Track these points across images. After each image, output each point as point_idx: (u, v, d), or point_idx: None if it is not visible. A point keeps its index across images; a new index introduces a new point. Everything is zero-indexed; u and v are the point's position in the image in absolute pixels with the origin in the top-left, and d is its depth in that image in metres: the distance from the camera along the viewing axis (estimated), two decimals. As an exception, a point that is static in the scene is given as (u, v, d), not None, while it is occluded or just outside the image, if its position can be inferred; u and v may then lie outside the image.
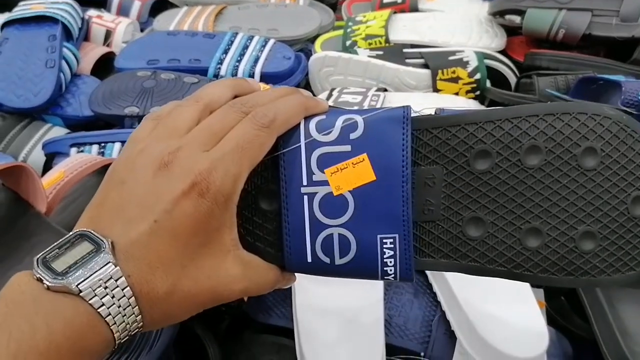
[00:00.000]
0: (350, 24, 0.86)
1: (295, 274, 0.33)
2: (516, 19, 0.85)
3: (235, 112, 0.30)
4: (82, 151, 0.62)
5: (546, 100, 0.65)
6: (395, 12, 0.86)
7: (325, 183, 0.29)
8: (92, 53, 0.86)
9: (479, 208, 0.31)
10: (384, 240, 0.29)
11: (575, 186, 0.30)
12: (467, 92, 0.77)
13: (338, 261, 0.30)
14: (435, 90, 0.77)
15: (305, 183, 0.29)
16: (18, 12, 0.82)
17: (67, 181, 0.46)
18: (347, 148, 0.29)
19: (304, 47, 0.88)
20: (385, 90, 0.77)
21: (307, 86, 0.83)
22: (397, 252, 0.29)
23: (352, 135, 0.29)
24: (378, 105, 0.72)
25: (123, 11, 1.00)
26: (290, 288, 0.52)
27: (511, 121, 0.30)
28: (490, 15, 0.84)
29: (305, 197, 0.29)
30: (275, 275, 0.31)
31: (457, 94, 0.77)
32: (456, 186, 0.31)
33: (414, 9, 0.88)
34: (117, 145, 0.62)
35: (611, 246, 0.30)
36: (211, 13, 0.86)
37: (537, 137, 0.30)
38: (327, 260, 0.30)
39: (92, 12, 0.93)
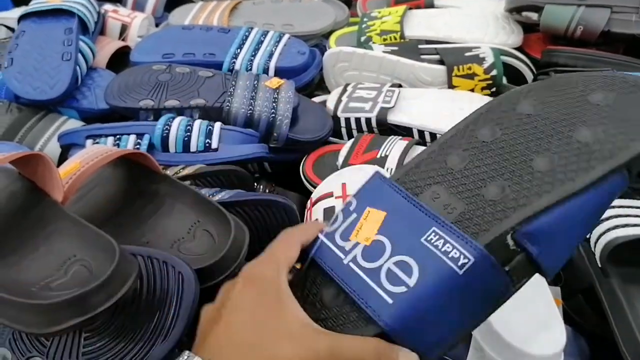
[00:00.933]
0: (365, 19, 0.85)
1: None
2: (533, 15, 0.84)
3: None
4: (97, 143, 0.62)
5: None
6: (410, 8, 0.86)
7: (356, 245, 0.33)
8: (107, 47, 0.87)
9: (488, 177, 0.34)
10: (430, 239, 0.31)
11: None
12: (483, 88, 0.76)
13: (412, 282, 0.30)
14: (451, 86, 0.76)
15: (343, 257, 0.33)
16: (35, 5, 0.83)
17: (83, 171, 0.46)
18: (354, 216, 0.34)
19: (318, 42, 0.88)
20: (400, 86, 0.77)
21: (322, 81, 0.83)
22: (449, 239, 0.31)
23: (351, 207, 0.35)
24: (392, 102, 0.72)
25: (138, 6, 1.00)
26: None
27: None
28: (506, 11, 0.84)
29: (351, 263, 0.32)
30: (374, 343, 0.30)
31: (472, 90, 0.76)
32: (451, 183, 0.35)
33: (430, 5, 0.87)
34: (132, 137, 0.62)
35: None
36: (226, 8, 0.86)
37: None
38: (404, 289, 0.30)
39: (108, 7, 0.94)
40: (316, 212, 0.51)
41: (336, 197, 0.52)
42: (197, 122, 0.63)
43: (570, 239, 0.33)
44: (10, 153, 0.42)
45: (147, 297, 0.38)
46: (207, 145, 0.62)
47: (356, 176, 0.57)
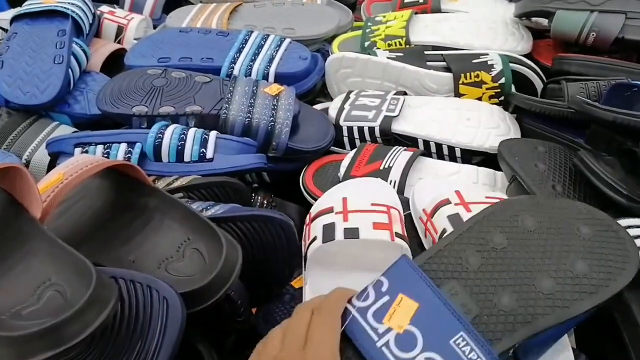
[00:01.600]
0: (369, 24, 0.82)
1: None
2: (543, 21, 0.81)
3: None
4: (86, 151, 0.59)
5: (576, 108, 0.61)
6: (416, 13, 0.83)
7: (389, 330, 0.36)
8: (102, 49, 0.84)
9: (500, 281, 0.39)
10: (458, 342, 0.35)
11: None
12: (491, 97, 0.73)
13: None
14: (457, 94, 0.73)
15: (376, 339, 0.35)
16: (28, 6, 0.80)
17: (65, 184, 0.43)
18: (386, 298, 0.37)
19: (320, 47, 0.85)
20: (405, 93, 0.74)
21: (324, 88, 0.80)
22: (474, 346, 0.34)
23: (383, 289, 0.38)
24: (396, 110, 0.69)
25: (136, 7, 0.98)
26: (301, 300, 0.49)
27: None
28: (516, 17, 0.80)
29: (384, 348, 0.35)
30: None
31: (480, 99, 0.73)
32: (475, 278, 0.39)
33: (436, 9, 0.84)
34: (123, 146, 0.59)
35: None
36: (225, 10, 0.83)
37: None
38: None
39: (104, 8, 0.91)
40: (315, 229, 0.48)
41: (336, 213, 0.49)
42: (192, 131, 0.61)
43: (549, 345, 0.41)
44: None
45: (129, 325, 0.35)
46: (201, 155, 0.59)
47: (358, 189, 0.53)
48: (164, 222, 0.46)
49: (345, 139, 0.71)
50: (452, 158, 0.68)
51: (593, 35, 0.71)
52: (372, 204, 0.50)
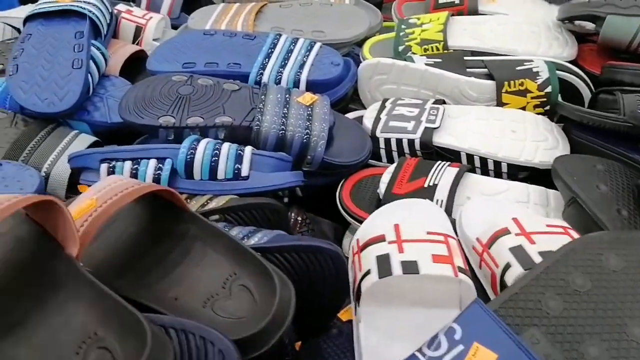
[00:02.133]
0: (403, 26, 0.78)
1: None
2: (587, 24, 0.77)
3: None
4: (113, 167, 0.55)
5: (635, 122, 0.57)
6: (452, 15, 0.78)
7: None
8: (121, 51, 0.80)
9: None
10: None
11: None
12: (536, 106, 0.69)
13: None
14: (500, 103, 0.69)
15: None
16: (42, 5, 0.76)
17: (100, 213, 0.39)
18: (460, 348, 0.35)
19: (350, 50, 0.81)
20: (443, 102, 0.70)
21: (355, 94, 0.76)
22: None
23: (456, 337, 0.35)
24: (437, 121, 0.65)
25: (153, 6, 0.93)
26: (352, 336, 0.46)
27: None
28: (559, 20, 0.76)
29: None
30: None
31: (523, 108, 0.69)
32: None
33: (474, 11, 0.80)
34: (152, 162, 0.55)
35: None
36: (251, 11, 0.79)
37: None
38: None
39: (121, 7, 0.87)
40: (367, 260, 0.44)
41: (389, 243, 0.45)
42: (225, 146, 0.57)
43: None
44: (15, 197, 0.35)
45: (182, 384, 0.32)
46: (236, 172, 0.55)
47: (409, 214, 0.50)
48: (206, 254, 0.42)
49: (382, 151, 0.67)
50: (497, 173, 0.64)
51: (646, 42, 0.67)
52: (428, 232, 0.46)
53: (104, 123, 0.70)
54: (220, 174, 0.55)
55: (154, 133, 0.63)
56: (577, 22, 0.77)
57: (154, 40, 0.85)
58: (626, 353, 0.34)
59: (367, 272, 0.44)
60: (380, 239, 0.46)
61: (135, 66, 0.80)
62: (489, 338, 0.35)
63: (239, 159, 0.56)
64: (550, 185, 0.60)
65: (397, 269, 0.42)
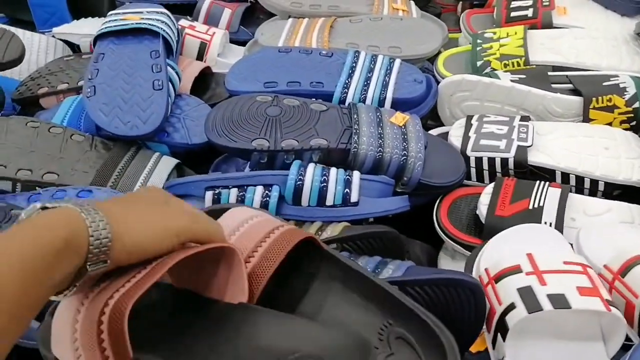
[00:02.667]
0: (479, 41, 0.77)
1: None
2: (664, 37, 0.76)
3: None
4: (218, 194, 0.54)
5: None
6: (528, 29, 0.77)
7: None
8: (189, 69, 0.78)
9: None
10: None
11: None
12: (622, 122, 0.68)
13: None
14: (586, 119, 0.68)
15: None
16: (112, 23, 0.75)
17: (257, 265, 0.37)
18: None
19: (422, 65, 0.80)
20: (529, 118, 0.69)
21: (434, 110, 0.75)
22: None
23: None
24: (529, 139, 0.64)
25: (211, 19, 0.92)
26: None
27: None
28: (636, 33, 0.75)
29: None
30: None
31: (610, 124, 0.68)
32: None
33: (548, 24, 0.79)
34: (259, 189, 0.54)
35: None
36: (324, 27, 0.78)
37: None
38: None
39: (183, 22, 0.85)
40: (506, 293, 0.43)
41: (527, 274, 0.44)
42: (334, 171, 0.55)
43: None
44: (183, 250, 0.34)
45: None
46: (345, 197, 0.54)
47: (536, 241, 0.49)
48: (348, 298, 0.40)
49: (472, 170, 0.65)
50: (592, 192, 0.63)
51: None
52: (565, 262, 0.45)
53: (184, 145, 0.68)
54: (329, 200, 0.54)
55: (246, 156, 0.61)
56: (653, 35, 0.76)
57: (218, 56, 0.84)
58: None
59: (511, 306, 0.43)
60: (516, 269, 0.45)
61: (200, 83, 0.79)
62: None
63: (347, 184, 0.55)
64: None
65: (545, 303, 0.41)
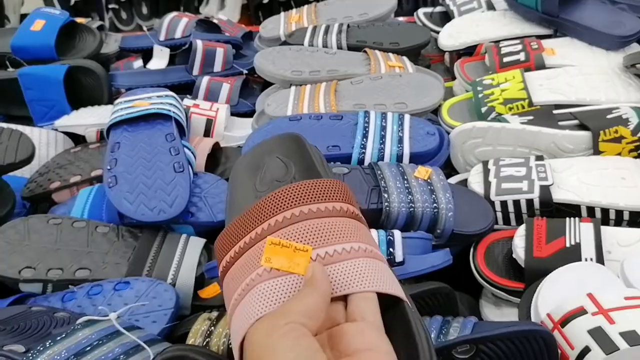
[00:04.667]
0: (479, 88, 0.80)
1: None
2: (650, 67, 0.80)
3: None
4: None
5: None
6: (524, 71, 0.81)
7: None
8: (201, 146, 0.79)
9: None
10: None
11: None
12: (630, 151, 0.71)
13: None
14: (597, 152, 0.71)
15: None
16: (122, 112, 0.75)
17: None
18: None
19: (426, 118, 0.82)
20: (542, 157, 0.71)
21: (447, 160, 0.76)
22: None
23: None
24: (549, 178, 0.66)
25: (211, 95, 0.94)
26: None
27: None
28: (626, 66, 0.80)
29: None
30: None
31: (619, 154, 0.71)
32: None
33: (541, 65, 0.82)
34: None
35: None
36: (328, 91, 0.80)
37: None
38: None
39: (187, 102, 0.87)
40: (577, 336, 0.43)
41: (593, 314, 0.44)
42: (374, 233, 0.56)
43: None
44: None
45: None
46: (390, 257, 0.54)
47: (589, 280, 0.49)
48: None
49: (499, 214, 0.67)
50: (617, 222, 0.65)
51: None
52: (626, 298, 0.45)
53: (210, 223, 0.68)
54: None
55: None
56: (639, 65, 0.81)
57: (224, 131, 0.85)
58: None
59: (586, 349, 0.42)
60: (581, 310, 0.45)
61: (210, 159, 0.79)
62: None
63: (390, 244, 0.55)
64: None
65: (620, 341, 0.42)
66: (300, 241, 0.35)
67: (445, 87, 0.87)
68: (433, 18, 1.05)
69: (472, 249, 0.63)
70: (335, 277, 0.34)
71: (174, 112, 0.75)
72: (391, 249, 0.54)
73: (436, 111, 0.82)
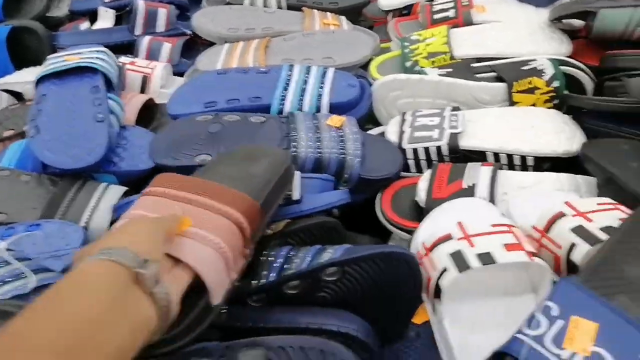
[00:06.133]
0: (406, 44, 0.81)
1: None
2: (575, 22, 0.81)
3: None
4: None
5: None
6: (450, 27, 0.82)
7: (574, 355, 0.35)
8: (133, 101, 0.80)
9: None
10: None
11: None
12: (545, 101, 0.73)
13: None
14: (512, 103, 0.73)
15: None
16: (52, 65, 0.76)
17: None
18: (560, 323, 0.36)
19: (355, 73, 0.83)
20: (459, 108, 0.72)
21: (370, 112, 0.78)
22: None
23: (554, 313, 0.37)
24: (459, 126, 0.67)
25: (152, 55, 0.95)
26: (432, 336, 0.46)
27: None
28: (551, 20, 0.81)
29: None
30: None
31: (534, 105, 0.73)
32: None
33: (469, 22, 0.84)
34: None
35: None
36: (259, 47, 0.81)
37: None
38: None
39: (124, 59, 0.88)
40: (439, 259, 0.45)
41: (458, 239, 0.46)
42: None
43: None
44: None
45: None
46: (287, 196, 0.56)
47: (467, 211, 0.51)
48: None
49: (411, 162, 0.69)
50: (524, 167, 0.66)
51: (639, 30, 0.71)
52: (492, 225, 0.48)
53: (132, 172, 0.70)
54: (272, 201, 0.56)
55: (188, 173, 0.63)
56: (565, 21, 0.82)
57: (160, 88, 0.87)
58: None
59: (444, 270, 0.45)
60: (448, 237, 0.47)
61: (145, 115, 0.81)
62: (586, 310, 0.37)
63: (287, 184, 0.57)
64: (577, 172, 0.63)
65: (474, 261, 0.44)
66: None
67: (379, 46, 0.89)
68: (378, -20, 1.05)
69: (379, 194, 0.65)
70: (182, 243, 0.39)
71: (101, 66, 0.76)
72: (288, 191, 0.56)
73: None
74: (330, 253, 0.47)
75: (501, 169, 0.65)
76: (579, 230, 0.46)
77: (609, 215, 0.47)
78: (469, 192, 0.60)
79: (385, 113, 0.76)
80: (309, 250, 0.48)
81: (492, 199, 0.59)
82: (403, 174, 0.68)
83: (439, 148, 0.67)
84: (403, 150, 0.68)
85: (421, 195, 0.62)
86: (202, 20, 0.89)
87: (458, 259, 0.45)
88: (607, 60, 0.73)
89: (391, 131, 0.71)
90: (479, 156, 0.67)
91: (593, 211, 0.48)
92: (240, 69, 0.77)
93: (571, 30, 0.83)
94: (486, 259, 0.44)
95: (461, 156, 0.67)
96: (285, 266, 0.47)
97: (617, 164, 0.57)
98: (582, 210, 0.48)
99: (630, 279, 0.39)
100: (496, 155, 0.66)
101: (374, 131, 0.75)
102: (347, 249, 0.47)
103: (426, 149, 0.67)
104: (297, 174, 0.57)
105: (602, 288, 0.38)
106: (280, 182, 0.50)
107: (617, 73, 0.70)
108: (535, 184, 0.62)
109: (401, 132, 0.69)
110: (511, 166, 0.67)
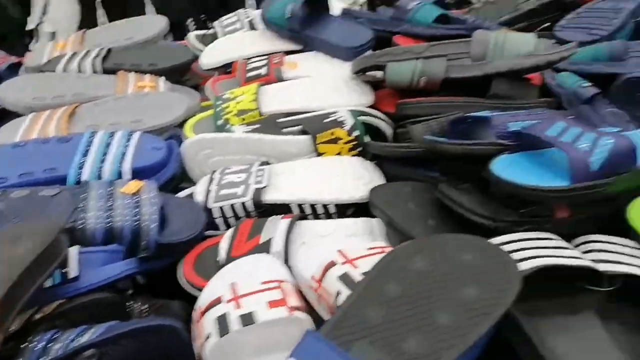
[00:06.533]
0: (218, 102, 0.82)
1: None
2: (377, 73, 0.88)
3: None
4: None
5: (426, 147, 0.66)
6: (262, 85, 0.85)
7: None
8: None
9: None
10: None
11: None
12: (350, 150, 0.76)
13: None
14: (318, 154, 0.76)
15: None
16: None
17: None
18: None
19: (173, 133, 0.83)
20: (267, 163, 0.74)
21: (184, 173, 0.77)
22: None
23: None
24: (264, 181, 0.69)
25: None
26: None
27: None
28: (353, 74, 0.86)
29: None
30: None
31: (339, 153, 0.76)
32: None
33: (279, 78, 0.87)
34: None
35: None
36: (63, 114, 0.78)
37: None
38: None
39: None
40: (207, 325, 0.44)
41: (227, 302, 0.46)
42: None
43: None
44: None
45: None
46: (64, 275, 0.53)
47: (244, 270, 0.51)
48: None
49: (219, 220, 0.68)
50: (328, 215, 0.69)
51: (424, 79, 0.78)
52: (262, 282, 0.48)
53: None
54: (47, 281, 0.52)
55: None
56: (369, 73, 0.88)
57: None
58: (436, 337, 0.38)
59: (208, 336, 0.44)
60: (218, 301, 0.47)
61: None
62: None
63: (63, 262, 0.53)
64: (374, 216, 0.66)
65: (235, 324, 0.43)
66: None
67: (199, 105, 0.89)
68: (204, 39, 1.07)
69: (182, 259, 0.64)
70: None
71: None
72: (65, 269, 0.53)
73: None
74: (91, 333, 0.44)
75: (306, 219, 0.67)
76: (345, 278, 0.48)
77: (374, 259, 0.49)
78: (265, 246, 0.60)
79: (199, 172, 0.76)
80: (73, 332, 0.45)
81: (286, 252, 0.59)
82: (211, 232, 0.68)
83: (244, 204, 0.67)
84: (210, 210, 0.68)
85: (222, 255, 0.61)
86: (7, 91, 0.85)
87: (222, 322, 0.44)
88: (398, 109, 0.79)
89: (199, 191, 0.70)
90: (284, 209, 0.68)
91: (361, 257, 0.50)
92: (41, 139, 0.74)
93: (376, 81, 0.89)
94: (248, 319, 0.44)
95: (267, 211, 0.68)
96: (45, 351, 0.44)
97: (394, 207, 0.60)
98: (350, 257, 0.50)
99: (371, 323, 0.40)
100: (300, 207, 0.68)
101: (186, 192, 0.74)
102: (110, 326, 0.45)
103: (232, 206, 0.68)
104: (74, 250, 0.54)
105: (343, 336, 0.39)
106: (39, 262, 0.47)
107: (407, 120, 0.76)
108: (332, 231, 0.64)
109: (207, 192, 0.69)
110: (316, 215, 0.68)
